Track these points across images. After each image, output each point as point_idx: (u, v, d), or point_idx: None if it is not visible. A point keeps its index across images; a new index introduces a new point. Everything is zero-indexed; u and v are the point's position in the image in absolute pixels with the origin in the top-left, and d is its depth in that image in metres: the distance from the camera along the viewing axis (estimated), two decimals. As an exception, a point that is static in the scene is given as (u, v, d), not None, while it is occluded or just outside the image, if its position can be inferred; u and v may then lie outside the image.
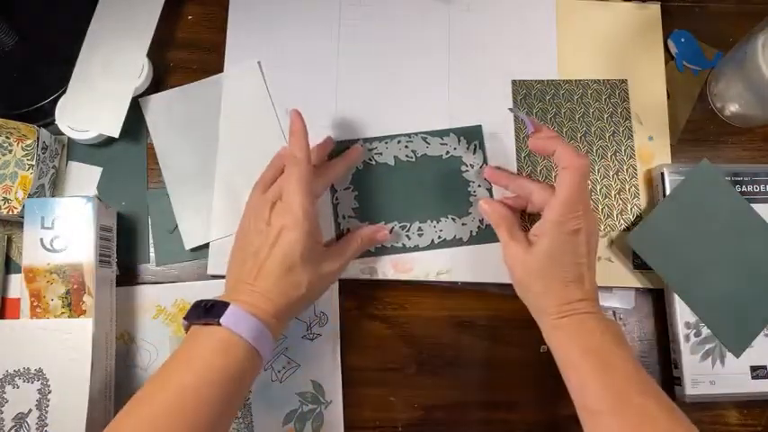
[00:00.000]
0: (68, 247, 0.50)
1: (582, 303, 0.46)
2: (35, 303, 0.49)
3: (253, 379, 0.44)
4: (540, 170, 0.58)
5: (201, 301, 0.45)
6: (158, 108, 0.58)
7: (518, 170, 0.58)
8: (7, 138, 0.55)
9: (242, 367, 0.42)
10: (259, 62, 0.59)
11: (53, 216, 0.50)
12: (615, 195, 0.58)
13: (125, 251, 0.56)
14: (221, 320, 0.42)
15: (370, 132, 0.58)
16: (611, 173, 0.58)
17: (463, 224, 0.56)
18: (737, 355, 0.54)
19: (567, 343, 0.46)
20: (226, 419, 0.42)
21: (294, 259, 0.46)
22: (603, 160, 0.59)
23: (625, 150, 0.59)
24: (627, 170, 0.59)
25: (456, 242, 0.56)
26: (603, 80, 0.60)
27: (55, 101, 0.56)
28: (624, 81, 0.60)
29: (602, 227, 0.57)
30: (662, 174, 0.56)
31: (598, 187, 0.58)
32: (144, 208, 0.57)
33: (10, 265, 0.55)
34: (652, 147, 0.59)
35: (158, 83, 0.59)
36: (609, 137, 0.59)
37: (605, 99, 0.60)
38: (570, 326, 0.46)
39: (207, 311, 0.43)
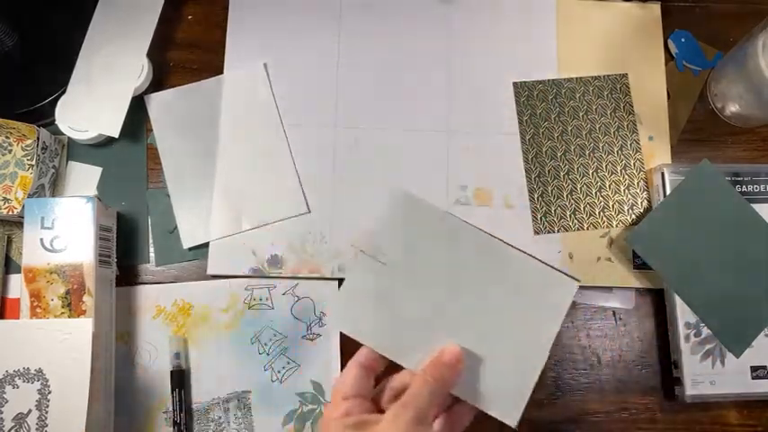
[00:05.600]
0: (68, 247, 0.50)
1: None
2: (35, 303, 0.49)
3: None
4: (549, 170, 0.58)
5: None
6: (162, 106, 0.58)
7: (525, 172, 0.58)
8: (7, 138, 0.55)
9: None
10: (265, 64, 0.59)
11: (53, 216, 0.50)
12: (624, 191, 0.58)
13: (125, 251, 0.56)
14: None
15: (369, 131, 0.58)
16: (619, 168, 0.59)
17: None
18: (737, 355, 0.54)
19: None
20: None
21: None
22: (610, 156, 0.59)
23: (631, 144, 0.59)
24: (634, 164, 0.59)
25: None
26: (604, 75, 0.60)
27: (55, 101, 0.56)
28: (625, 75, 0.61)
29: (614, 222, 0.58)
30: (662, 174, 0.56)
31: (607, 184, 0.58)
32: (144, 208, 0.57)
33: (10, 265, 0.55)
34: (652, 147, 0.59)
35: (158, 83, 0.59)
36: (614, 132, 0.59)
37: (607, 95, 0.60)
38: None
39: None
